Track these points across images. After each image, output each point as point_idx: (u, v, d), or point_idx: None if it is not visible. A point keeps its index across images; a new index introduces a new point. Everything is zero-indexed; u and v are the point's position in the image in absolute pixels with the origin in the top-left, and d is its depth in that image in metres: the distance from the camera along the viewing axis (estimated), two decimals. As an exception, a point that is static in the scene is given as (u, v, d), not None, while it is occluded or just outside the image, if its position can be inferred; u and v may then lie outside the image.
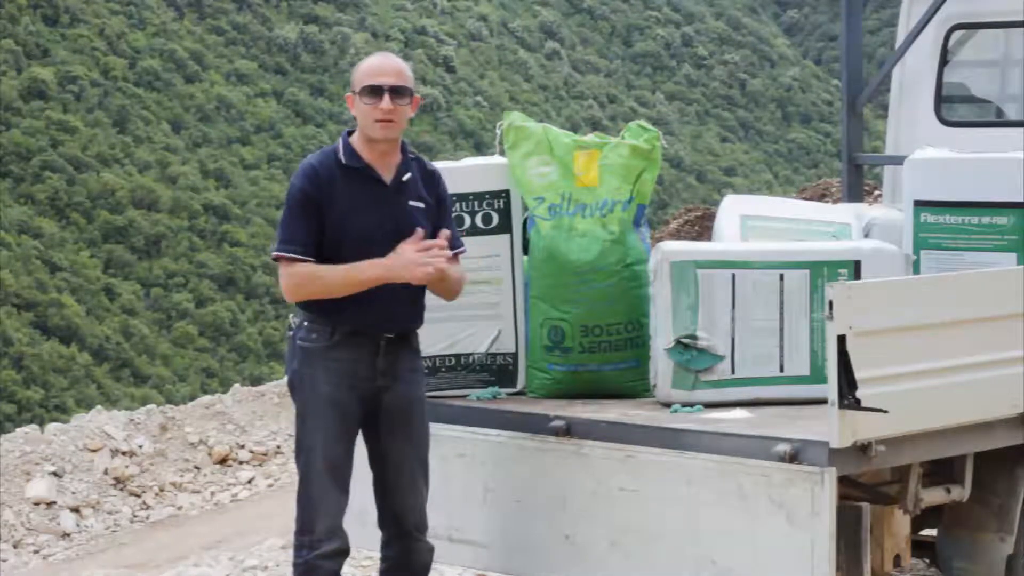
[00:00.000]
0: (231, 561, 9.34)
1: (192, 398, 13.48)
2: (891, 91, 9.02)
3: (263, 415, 11.95)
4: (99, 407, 12.38)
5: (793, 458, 5.24)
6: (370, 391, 5.58)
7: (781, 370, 6.01)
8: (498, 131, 6.44)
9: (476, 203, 6.35)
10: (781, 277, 6.00)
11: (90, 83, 54.24)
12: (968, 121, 9.03)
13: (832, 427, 5.17)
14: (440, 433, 5.91)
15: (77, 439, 11.07)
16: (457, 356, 6.33)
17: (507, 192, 6.38)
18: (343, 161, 5.59)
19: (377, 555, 5.82)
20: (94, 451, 11.01)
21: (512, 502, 5.92)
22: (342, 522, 5.57)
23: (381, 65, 5.60)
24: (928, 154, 6.87)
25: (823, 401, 5.24)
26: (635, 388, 6.22)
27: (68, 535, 10.34)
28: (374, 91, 5.54)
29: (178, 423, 11.64)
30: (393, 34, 64.03)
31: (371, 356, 5.57)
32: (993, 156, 6.81)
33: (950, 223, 6.64)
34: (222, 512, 10.89)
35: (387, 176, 5.62)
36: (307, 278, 5.52)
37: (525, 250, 6.40)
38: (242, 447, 11.59)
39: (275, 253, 5.55)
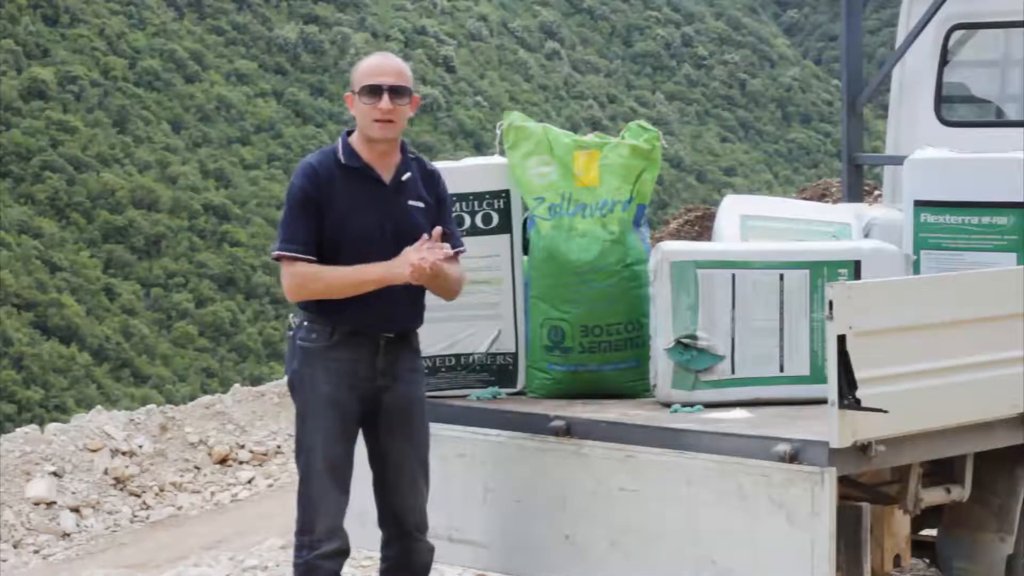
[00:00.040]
0: (231, 561, 9.34)
1: (192, 398, 13.48)
2: (891, 91, 9.02)
3: (263, 415, 11.95)
4: (99, 407, 12.38)
5: (793, 458, 5.24)
6: (370, 391, 5.58)
7: (781, 370, 6.01)
8: (498, 131, 6.44)
9: (476, 203, 6.35)
10: (781, 277, 6.00)
11: (90, 83, 54.24)
12: (968, 121, 9.02)
13: (832, 427, 5.17)
14: (440, 433, 5.91)
15: (77, 439, 11.07)
16: (457, 356, 6.33)
17: (507, 192, 6.38)
18: (342, 161, 5.59)
19: (377, 555, 5.82)
20: (94, 451, 11.01)
21: (512, 502, 5.92)
22: (342, 522, 5.57)
23: (380, 65, 5.60)
24: (928, 154, 6.87)
25: (823, 401, 5.24)
26: (635, 388, 6.22)
27: (68, 535, 10.34)
28: (373, 91, 5.54)
29: (178, 423, 11.64)
30: (393, 34, 64.03)
31: (371, 356, 5.57)
32: (993, 156, 6.81)
33: (950, 223, 6.64)
34: (222, 512, 10.89)
35: (386, 176, 5.62)
36: (309, 278, 5.53)
37: (525, 250, 6.40)
38: (242, 447, 11.59)
39: (276, 252, 5.55)
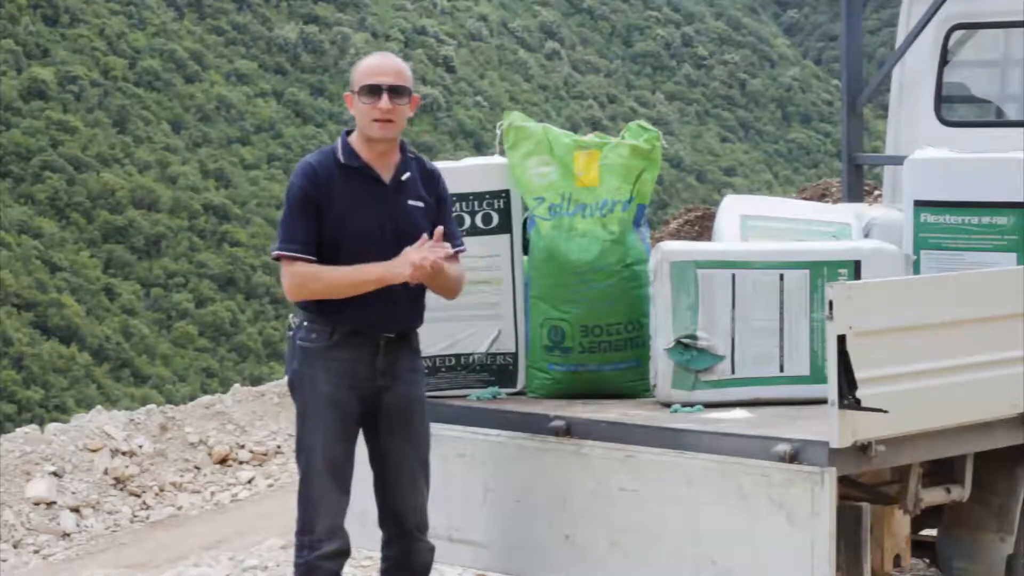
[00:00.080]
0: (231, 561, 9.34)
1: (192, 398, 13.48)
2: (891, 91, 9.02)
3: (263, 415, 11.95)
4: (99, 407, 12.38)
5: (793, 458, 5.24)
6: (370, 391, 5.58)
7: (781, 370, 6.01)
8: (498, 131, 6.44)
9: (476, 203, 6.35)
10: (781, 277, 6.00)
11: (90, 83, 54.24)
12: (968, 121, 9.02)
13: (832, 427, 5.17)
14: (440, 433, 5.91)
15: (77, 439, 11.07)
16: (457, 356, 6.33)
17: (507, 192, 6.38)
18: (342, 160, 5.59)
19: (377, 555, 5.82)
20: (94, 451, 11.01)
21: (512, 502, 5.92)
22: (343, 522, 5.56)
23: (380, 64, 5.60)
24: (928, 154, 6.87)
25: (823, 401, 5.24)
26: (635, 388, 6.22)
27: (68, 535, 10.34)
28: (373, 90, 5.54)
29: (178, 423, 11.64)
30: (393, 34, 64.03)
31: (371, 356, 5.57)
32: (993, 156, 6.81)
33: (950, 223, 6.64)
34: (222, 512, 10.89)
35: (386, 176, 5.62)
36: (309, 278, 5.52)
37: (525, 250, 6.39)
38: (242, 447, 11.59)
39: (276, 252, 5.55)
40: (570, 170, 6.27)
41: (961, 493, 5.82)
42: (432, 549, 5.74)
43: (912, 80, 8.84)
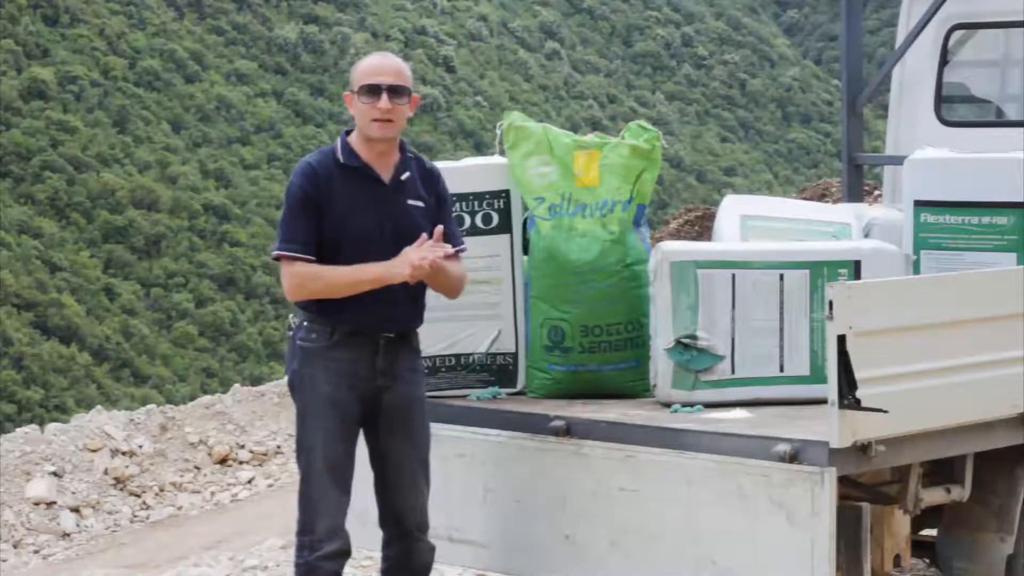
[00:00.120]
0: (231, 561, 9.34)
1: (192, 398, 13.48)
2: (891, 91, 9.02)
3: (263, 415, 11.94)
4: (99, 407, 12.38)
5: (793, 458, 5.24)
6: (370, 391, 5.58)
7: (781, 370, 6.01)
8: (498, 131, 6.44)
9: (476, 203, 6.35)
10: (781, 277, 6.00)
11: (90, 83, 54.24)
12: (968, 121, 9.02)
13: (832, 427, 5.17)
14: (440, 433, 5.90)
15: (77, 439, 11.07)
16: (457, 356, 6.33)
17: (507, 192, 6.37)
18: (341, 160, 5.59)
19: (378, 555, 5.82)
20: (94, 451, 11.01)
21: (512, 502, 5.92)
22: (344, 523, 5.56)
23: (379, 64, 5.60)
24: (928, 154, 6.87)
25: (823, 401, 5.24)
26: (635, 388, 6.22)
27: (68, 535, 10.34)
28: (372, 90, 5.54)
29: (178, 423, 11.64)
30: (393, 34, 64.03)
31: (371, 356, 5.57)
32: (993, 156, 6.81)
33: (950, 223, 6.64)
34: (222, 512, 10.89)
35: (385, 175, 5.62)
36: (308, 277, 5.52)
37: (525, 250, 6.39)
38: (242, 447, 11.59)
39: (275, 252, 5.55)
40: (570, 170, 6.27)
41: (961, 493, 5.82)
42: (432, 549, 5.74)
43: (912, 80, 8.84)
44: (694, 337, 5.92)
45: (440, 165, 5.94)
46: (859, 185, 9.45)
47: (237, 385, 12.81)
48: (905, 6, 8.95)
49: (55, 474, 10.68)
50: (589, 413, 5.90)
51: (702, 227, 14.79)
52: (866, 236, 6.78)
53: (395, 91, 5.54)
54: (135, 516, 10.75)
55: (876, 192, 11.91)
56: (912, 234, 6.70)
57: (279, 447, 11.58)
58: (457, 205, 6.18)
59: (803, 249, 6.18)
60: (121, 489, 10.91)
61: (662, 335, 5.95)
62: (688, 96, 70.42)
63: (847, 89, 9.36)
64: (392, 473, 5.66)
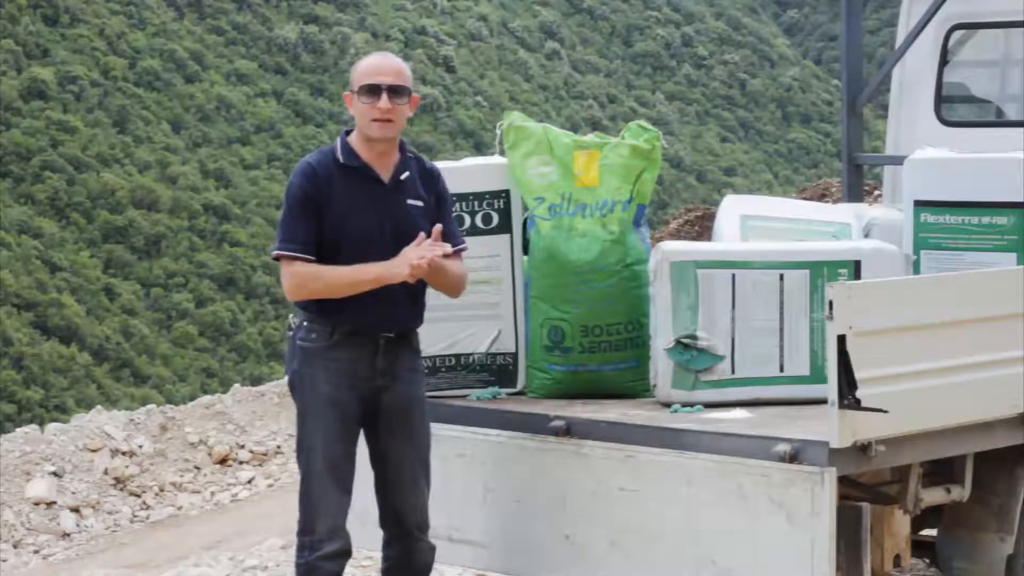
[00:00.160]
0: (231, 561, 9.34)
1: (192, 398, 13.48)
2: (891, 91, 9.02)
3: (263, 415, 11.94)
4: (99, 407, 12.38)
5: (793, 458, 5.24)
6: (370, 391, 5.58)
7: (781, 370, 6.01)
8: (498, 131, 6.44)
9: (476, 203, 6.35)
10: (781, 277, 6.00)
11: (90, 83, 54.24)
12: (968, 121, 9.02)
13: (832, 427, 5.17)
14: (440, 433, 5.90)
15: (77, 439, 11.07)
16: (457, 356, 6.33)
17: (507, 192, 6.38)
18: (341, 160, 5.59)
19: (378, 555, 5.82)
20: (94, 451, 11.01)
21: (512, 502, 5.92)
22: (344, 523, 5.56)
23: (379, 64, 5.60)
24: (928, 154, 6.87)
25: (823, 401, 5.24)
26: (635, 388, 6.22)
27: (68, 535, 10.34)
28: (372, 90, 5.54)
29: (178, 423, 11.64)
30: (393, 34, 64.03)
31: (371, 356, 5.57)
32: (993, 156, 6.81)
33: (950, 223, 6.64)
34: (222, 512, 10.89)
35: (385, 175, 5.62)
36: (308, 277, 5.52)
37: (525, 250, 6.39)
38: (242, 447, 11.59)
39: (275, 252, 5.55)
40: (570, 170, 6.27)
41: (961, 493, 5.82)
42: (433, 549, 5.74)
43: (912, 80, 8.84)
44: (694, 337, 5.92)
45: (440, 165, 5.94)
46: (859, 185, 9.45)
47: (237, 385, 12.81)
48: (905, 6, 8.95)
49: (55, 474, 10.68)
50: (589, 413, 5.89)
51: (702, 227, 14.79)
52: (866, 236, 6.78)
53: (395, 91, 5.54)
54: (135, 516, 10.75)
55: (876, 192, 11.91)
56: (912, 234, 6.70)
57: (279, 447, 11.58)
58: (457, 205, 6.18)
59: (803, 249, 6.18)
60: (121, 489, 10.91)
61: (662, 335, 5.95)
62: (688, 96, 70.42)
63: (847, 89, 9.36)
64: (392, 473, 5.66)
